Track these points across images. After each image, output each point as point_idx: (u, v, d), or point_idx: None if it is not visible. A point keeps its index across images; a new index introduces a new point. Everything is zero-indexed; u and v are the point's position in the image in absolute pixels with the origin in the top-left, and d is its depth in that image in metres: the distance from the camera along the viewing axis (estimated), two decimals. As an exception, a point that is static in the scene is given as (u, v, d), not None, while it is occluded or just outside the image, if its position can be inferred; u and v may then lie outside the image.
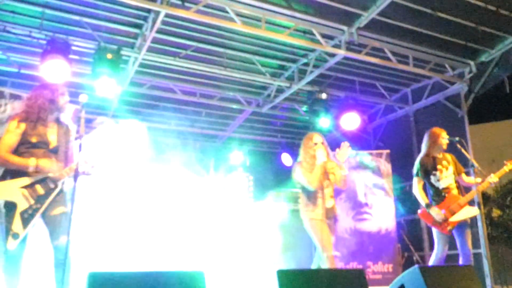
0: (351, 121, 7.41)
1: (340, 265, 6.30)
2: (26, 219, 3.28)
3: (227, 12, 5.42)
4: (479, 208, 5.03)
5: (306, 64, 6.98)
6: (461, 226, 4.85)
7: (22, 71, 6.42)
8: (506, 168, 4.95)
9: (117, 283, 2.39)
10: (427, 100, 7.75)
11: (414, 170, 5.14)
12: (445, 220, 4.79)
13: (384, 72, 7.44)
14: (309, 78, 6.99)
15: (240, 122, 9.04)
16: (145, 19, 5.78)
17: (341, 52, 6.10)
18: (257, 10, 5.52)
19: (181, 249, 6.32)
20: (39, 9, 5.45)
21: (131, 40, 6.22)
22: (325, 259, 4.21)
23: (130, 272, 2.48)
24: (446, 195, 4.92)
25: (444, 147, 5.09)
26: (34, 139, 3.47)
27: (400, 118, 8.41)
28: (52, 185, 3.41)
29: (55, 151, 3.54)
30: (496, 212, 12.20)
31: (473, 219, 5.22)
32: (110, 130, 3.82)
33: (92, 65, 5.76)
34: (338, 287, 2.92)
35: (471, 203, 4.93)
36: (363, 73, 7.48)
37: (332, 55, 6.46)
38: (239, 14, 5.47)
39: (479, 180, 4.95)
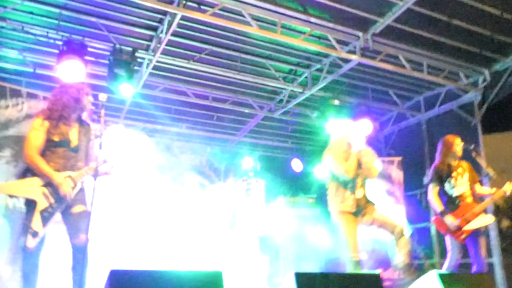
0: (363, 128, 7.38)
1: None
2: (45, 218, 3.29)
3: (243, 15, 5.43)
4: (494, 216, 4.99)
5: (320, 70, 6.98)
6: (475, 234, 4.81)
7: (38, 71, 6.47)
8: None
9: (138, 281, 2.39)
10: (440, 108, 7.72)
11: (429, 177, 5.10)
12: (460, 228, 4.75)
13: (397, 79, 7.43)
14: (322, 83, 7.00)
15: (251, 126, 9.05)
16: (160, 21, 5.82)
17: (356, 58, 6.10)
18: (273, 14, 5.54)
19: (196, 249, 6.32)
20: (57, 10, 5.50)
21: (146, 43, 6.25)
22: (349, 261, 4.05)
23: (150, 271, 2.48)
24: (461, 203, 4.89)
25: (459, 154, 5.06)
26: (56, 138, 3.48)
27: (412, 125, 8.38)
28: (72, 184, 3.42)
29: (75, 150, 3.56)
30: (505, 223, 12.10)
31: (485, 228, 5.17)
32: (121, 135, 3.85)
33: (108, 67, 5.78)
34: (355, 290, 2.91)
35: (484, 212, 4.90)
36: (376, 80, 7.47)
37: (346, 61, 6.46)
38: (255, 18, 5.49)
39: (493, 190, 4.91)
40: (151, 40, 6.19)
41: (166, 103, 8.04)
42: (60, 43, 5.58)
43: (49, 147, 3.48)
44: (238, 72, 6.91)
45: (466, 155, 5.16)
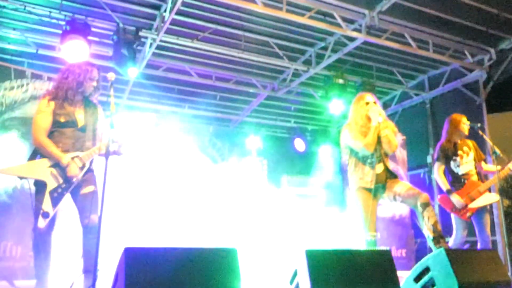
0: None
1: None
2: (55, 198, 3.31)
3: (248, -7, 5.37)
4: (500, 194, 5.02)
5: (324, 48, 6.93)
6: (480, 212, 4.84)
7: (40, 51, 6.42)
8: None
9: (153, 258, 2.41)
10: (445, 87, 7.70)
11: (435, 156, 5.11)
12: (465, 206, 4.78)
13: (401, 58, 7.39)
14: (327, 62, 6.95)
15: (254, 106, 9.02)
16: (164, 0, 5.75)
17: (361, 36, 6.05)
18: (279, -8, 5.48)
19: (209, 227, 6.38)
20: (59, -11, 5.44)
21: (150, 22, 6.19)
22: (364, 240, 3.88)
23: (165, 248, 2.49)
24: (466, 181, 4.91)
25: (466, 133, 5.06)
26: (62, 119, 3.48)
27: (416, 105, 8.37)
28: (80, 164, 3.43)
29: (83, 130, 3.55)
30: (505, 202, 12.20)
31: (489, 207, 5.21)
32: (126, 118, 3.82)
33: (113, 47, 5.74)
34: (366, 266, 2.93)
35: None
36: (381, 59, 7.43)
37: (352, 40, 6.41)
38: (260, -4, 5.43)
39: (499, 167, 4.93)
40: (154, 19, 6.12)
41: (169, 82, 8.01)
42: (63, 23, 5.53)
43: (57, 128, 3.47)
44: (242, 51, 6.86)
45: (471, 134, 5.17)
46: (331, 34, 6.58)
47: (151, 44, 6.35)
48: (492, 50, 6.83)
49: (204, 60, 7.37)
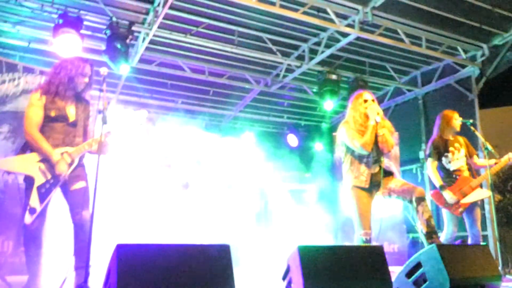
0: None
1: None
2: (43, 194, 3.28)
3: (241, -12, 5.35)
4: (490, 190, 5.06)
5: (318, 44, 6.92)
6: (471, 207, 4.89)
7: (32, 45, 6.36)
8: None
9: (145, 255, 2.40)
10: (437, 83, 7.73)
11: (427, 152, 5.14)
12: (457, 202, 4.82)
13: (394, 54, 7.40)
14: (320, 57, 6.95)
15: (247, 101, 9.01)
16: (157, -6, 5.71)
17: (355, 32, 6.05)
18: (272, -13, 5.46)
19: (196, 224, 6.37)
20: (51, -18, 5.38)
21: (143, 16, 6.14)
22: (358, 238, 3.86)
23: (157, 244, 2.49)
24: (458, 177, 4.95)
25: (458, 129, 5.10)
26: (53, 113, 3.46)
27: (408, 100, 8.40)
28: (69, 160, 3.40)
29: (73, 125, 3.54)
30: (496, 197, 12.31)
31: (481, 202, 5.24)
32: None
33: (107, 41, 5.69)
34: (358, 262, 2.95)
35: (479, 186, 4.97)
36: (374, 55, 7.44)
37: (345, 35, 6.41)
38: (253, -9, 5.41)
39: (492, 162, 4.97)
40: (147, 14, 6.08)
41: (162, 77, 7.98)
42: (55, 16, 5.47)
43: (47, 122, 3.46)
44: (235, 46, 6.83)
45: (463, 130, 5.20)
46: (324, 29, 6.58)
47: (144, 38, 6.31)
48: (485, 46, 6.85)
49: (197, 55, 7.34)
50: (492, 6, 5.86)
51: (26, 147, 3.44)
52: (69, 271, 3.26)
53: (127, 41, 5.74)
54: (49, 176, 3.35)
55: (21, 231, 3.38)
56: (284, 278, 3.03)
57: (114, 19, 5.68)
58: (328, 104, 7.38)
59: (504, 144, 6.99)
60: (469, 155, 5.10)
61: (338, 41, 6.62)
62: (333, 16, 5.89)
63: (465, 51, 7.01)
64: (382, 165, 4.08)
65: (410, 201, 3.88)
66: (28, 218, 3.23)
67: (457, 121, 5.12)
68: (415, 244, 7.65)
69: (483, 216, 6.35)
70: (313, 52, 7.09)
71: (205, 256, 2.52)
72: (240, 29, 6.58)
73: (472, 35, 6.66)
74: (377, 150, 4.06)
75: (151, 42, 6.50)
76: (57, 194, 3.42)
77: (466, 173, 5.00)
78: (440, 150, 5.05)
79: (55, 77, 3.56)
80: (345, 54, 7.36)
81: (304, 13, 5.80)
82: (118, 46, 5.61)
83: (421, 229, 3.83)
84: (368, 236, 3.88)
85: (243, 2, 5.44)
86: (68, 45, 5.36)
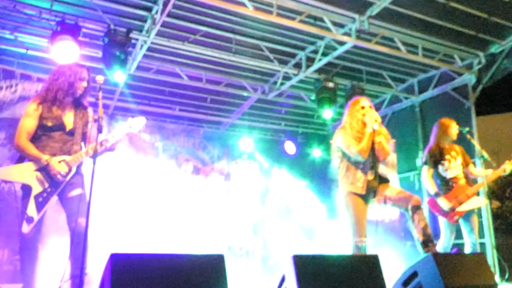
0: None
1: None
2: (40, 203, 3.27)
3: (239, -4, 5.37)
4: (487, 198, 5.08)
5: (315, 52, 6.95)
6: (467, 215, 4.90)
7: (30, 52, 6.36)
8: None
9: (139, 264, 2.39)
10: (434, 91, 7.75)
11: (423, 159, 5.16)
12: (453, 209, 4.82)
13: (391, 61, 7.42)
14: (317, 65, 6.96)
15: (244, 109, 9.02)
16: (155, 1, 5.72)
17: (351, 41, 6.07)
18: (269, -4, 5.49)
19: (192, 233, 6.35)
20: (49, -11, 5.39)
21: (140, 23, 6.16)
22: (353, 245, 3.84)
23: (151, 254, 2.48)
24: (454, 185, 4.96)
25: (454, 137, 5.12)
26: (49, 123, 3.45)
27: (406, 108, 8.41)
28: (66, 168, 3.40)
29: (71, 134, 3.53)
30: (495, 204, 12.33)
31: (478, 209, 5.24)
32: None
33: (103, 49, 5.71)
34: (354, 271, 2.94)
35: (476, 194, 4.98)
36: (371, 63, 7.47)
37: (342, 43, 6.43)
38: (251, -1, 5.44)
39: (489, 171, 4.99)
40: (145, 21, 6.10)
41: (159, 85, 7.99)
42: (53, 23, 5.48)
43: (44, 132, 3.45)
44: (233, 53, 6.85)
45: (459, 138, 5.22)
46: (321, 38, 6.60)
47: (142, 46, 6.32)
48: (481, 54, 6.89)
49: (195, 63, 7.36)
50: (488, 15, 5.90)
51: (24, 157, 3.43)
52: (64, 279, 3.25)
53: (125, 48, 5.74)
54: (46, 185, 3.34)
55: (16, 239, 3.36)
56: (279, 287, 3.02)
57: (112, 26, 5.69)
58: (327, 112, 7.40)
59: (501, 151, 7.02)
60: (465, 164, 5.12)
61: (335, 49, 6.64)
62: (329, 25, 5.92)
63: (462, 59, 7.04)
64: (378, 172, 4.06)
65: (406, 210, 3.86)
66: (25, 227, 3.21)
67: (453, 129, 5.14)
68: (412, 252, 7.62)
69: (481, 224, 6.35)
70: (310, 60, 7.12)
71: (199, 266, 2.51)
72: (238, 37, 6.60)
73: (469, 43, 6.70)
74: (373, 157, 4.04)
75: (149, 49, 6.52)
76: (50, 202, 3.40)
77: (462, 181, 5.02)
78: (437, 158, 5.07)
79: (54, 83, 3.56)
80: (342, 62, 7.39)
81: (301, 21, 5.83)
82: (117, 53, 5.62)
83: (417, 237, 3.81)
84: (364, 243, 3.85)
85: (241, 11, 5.46)
86: (66, 52, 5.36)
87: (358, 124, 4.07)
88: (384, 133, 4.11)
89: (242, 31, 6.52)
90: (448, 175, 5.02)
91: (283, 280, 2.93)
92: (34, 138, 3.44)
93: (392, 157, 7.75)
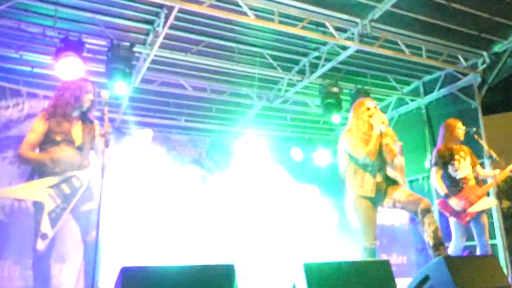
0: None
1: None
2: (54, 219, 3.28)
3: (239, 5, 5.39)
4: (497, 199, 5.04)
5: (318, 58, 6.96)
6: (478, 216, 4.85)
7: (35, 70, 6.42)
8: None
9: (150, 277, 2.40)
10: (440, 92, 7.72)
11: (432, 160, 5.13)
12: (464, 211, 4.78)
13: (395, 64, 7.42)
14: (320, 71, 6.97)
15: (250, 117, 9.03)
16: (157, 14, 5.77)
17: (354, 45, 6.07)
18: (270, 4, 5.50)
19: (202, 242, 6.35)
20: (52, 7, 5.44)
21: (143, 37, 6.21)
22: (363, 249, 3.81)
23: (161, 267, 2.49)
24: (464, 185, 4.92)
25: (461, 138, 5.09)
26: (58, 137, 3.46)
27: (411, 110, 8.38)
28: (77, 184, 3.41)
29: (80, 149, 3.54)
30: (505, 204, 12.20)
31: (488, 210, 5.20)
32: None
33: (105, 63, 5.76)
34: (365, 278, 2.92)
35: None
36: (375, 66, 7.46)
37: (345, 48, 6.44)
38: (252, 8, 5.45)
39: (497, 172, 4.95)
40: (147, 34, 6.15)
41: (164, 96, 8.03)
42: (57, 40, 5.54)
43: (53, 147, 3.46)
44: (236, 63, 6.88)
45: (466, 139, 5.19)
46: (324, 43, 6.61)
47: (145, 59, 6.37)
48: (485, 54, 6.86)
49: (199, 73, 7.39)
50: (491, 15, 5.88)
51: (34, 173, 3.45)
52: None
53: (129, 62, 5.79)
54: (59, 201, 3.34)
55: (29, 255, 3.38)
56: (290, 296, 3.00)
57: (115, 41, 5.74)
58: (335, 117, 7.38)
59: (510, 150, 6.96)
60: (473, 165, 5.08)
61: (338, 54, 6.65)
62: (332, 30, 5.93)
63: (466, 60, 7.02)
64: (387, 174, 4.02)
65: (416, 213, 3.81)
66: (40, 244, 3.22)
67: (460, 130, 5.11)
68: (424, 255, 7.57)
69: (491, 225, 6.29)
70: (314, 66, 7.12)
71: (209, 276, 2.51)
72: (240, 46, 6.63)
73: (472, 44, 6.68)
74: (381, 159, 4.00)
75: (153, 62, 6.55)
76: (63, 218, 3.41)
77: (472, 182, 4.98)
78: (446, 159, 5.03)
79: (60, 98, 3.58)
80: (346, 67, 7.39)
81: (303, 28, 5.84)
82: (121, 67, 5.66)
83: (427, 241, 3.75)
84: (374, 246, 3.81)
85: (242, 20, 5.49)
86: (71, 69, 5.40)
87: (365, 126, 4.02)
88: (390, 135, 4.07)
89: (244, 40, 6.54)
90: (458, 175, 4.98)
91: (294, 287, 2.91)
92: (44, 153, 3.44)
93: (400, 160, 7.69)
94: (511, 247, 6.47)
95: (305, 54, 7.05)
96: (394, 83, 8.04)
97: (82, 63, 5.47)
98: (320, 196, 8.74)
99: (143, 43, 6.25)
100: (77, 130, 3.58)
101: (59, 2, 5.39)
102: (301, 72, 7.34)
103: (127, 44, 5.81)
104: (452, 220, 4.96)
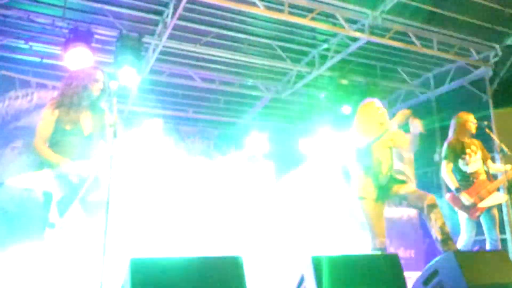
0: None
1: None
2: (62, 209, 3.29)
3: (249, -4, 5.36)
4: (507, 194, 4.98)
5: (327, 50, 6.90)
6: (488, 211, 4.80)
7: (45, 60, 6.44)
8: None
9: (158, 268, 2.40)
10: (450, 85, 7.64)
11: (443, 154, 5.06)
12: (474, 205, 4.74)
13: (405, 56, 7.35)
14: (330, 63, 6.92)
15: (258, 108, 9.01)
16: (166, 5, 5.74)
17: (364, 37, 6.02)
18: (280, -5, 5.47)
19: (210, 234, 6.36)
20: (62, -3, 5.45)
21: (152, 27, 6.19)
22: (373, 247, 3.80)
23: (170, 258, 2.49)
24: (475, 180, 4.86)
25: (473, 131, 5.03)
26: (68, 127, 3.43)
27: (421, 103, 8.30)
28: (85, 174, 3.41)
29: (89, 138, 3.51)
30: (515, 198, 12.12)
31: (498, 205, 5.15)
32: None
33: (114, 54, 5.75)
34: (373, 271, 2.91)
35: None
36: (384, 58, 7.39)
37: (354, 40, 6.38)
38: (261, -1, 5.42)
39: (508, 167, 4.88)
40: (156, 25, 6.13)
41: (173, 88, 8.02)
42: (66, 31, 5.54)
43: (62, 137, 3.44)
44: (245, 54, 6.86)
45: (477, 132, 5.12)
46: (334, 35, 6.55)
47: (154, 49, 6.36)
48: (498, 47, 6.77)
49: (208, 64, 7.37)
50: (503, 7, 5.79)
51: (44, 163, 3.45)
52: (85, 282, 3.28)
53: (137, 53, 5.77)
54: (67, 191, 3.35)
55: (36, 244, 3.39)
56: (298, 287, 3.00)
57: (124, 31, 5.73)
58: (346, 108, 7.34)
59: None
60: (484, 159, 5.02)
61: (348, 46, 6.59)
62: (342, 21, 5.87)
63: (478, 52, 6.93)
64: (392, 174, 4.02)
65: (422, 208, 3.81)
66: (48, 234, 3.24)
67: (472, 123, 5.05)
68: (432, 249, 7.53)
69: (501, 219, 6.23)
70: (323, 57, 7.07)
71: (218, 268, 2.51)
72: (249, 37, 6.59)
73: (484, 36, 6.59)
74: (386, 158, 4.01)
75: (161, 53, 6.55)
76: (72, 208, 3.43)
77: (483, 176, 4.92)
78: (457, 153, 4.97)
79: (68, 88, 3.53)
80: (355, 59, 7.32)
81: (313, 19, 5.79)
82: (129, 58, 5.65)
83: (435, 236, 3.74)
84: (383, 245, 3.81)
85: (252, 10, 5.45)
86: (80, 59, 5.40)
87: (376, 125, 4.03)
88: (398, 133, 4.09)
89: (253, 31, 6.50)
90: (469, 169, 4.92)
91: (301, 281, 2.91)
92: (53, 143, 3.44)
93: (410, 154, 7.66)
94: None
95: (314, 46, 7.00)
96: (404, 75, 7.96)
97: (91, 53, 5.46)
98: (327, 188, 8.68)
99: (152, 33, 6.23)
100: (86, 119, 3.53)
101: (69, -8, 5.39)
102: (311, 63, 7.28)
103: (136, 34, 5.79)
104: (461, 215, 4.91)
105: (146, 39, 6.01)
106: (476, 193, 4.75)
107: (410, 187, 4.06)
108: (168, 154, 6.98)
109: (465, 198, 4.72)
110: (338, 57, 6.81)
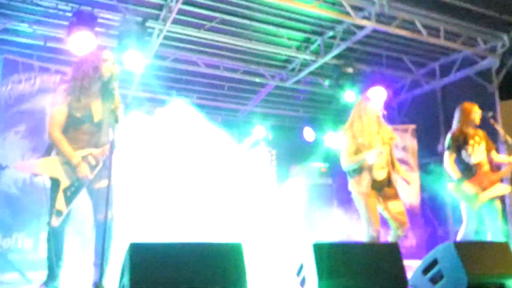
0: (377, 96, 7.26)
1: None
2: (69, 197, 3.27)
3: (255, -18, 5.31)
4: (510, 185, 4.96)
5: (333, 37, 6.84)
6: (490, 202, 4.78)
7: (48, 44, 6.42)
8: None
9: (158, 253, 2.41)
10: (456, 75, 7.57)
11: (446, 144, 5.03)
12: (476, 195, 4.72)
13: (411, 45, 7.27)
14: (335, 51, 6.87)
15: (262, 96, 8.97)
16: (170, -11, 5.70)
17: (371, 25, 5.95)
18: (286, -20, 5.41)
19: (211, 221, 6.39)
20: (65, -20, 5.41)
21: (156, 12, 6.14)
22: (368, 234, 3.96)
23: (169, 243, 2.50)
24: (478, 170, 4.84)
25: (477, 122, 4.98)
26: (78, 114, 3.38)
27: (426, 93, 8.24)
28: (93, 162, 3.39)
29: (99, 125, 3.45)
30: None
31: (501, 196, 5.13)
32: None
33: (118, 38, 5.72)
34: (373, 259, 2.92)
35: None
36: (390, 47, 7.32)
37: (360, 28, 6.31)
38: (267, -16, 5.36)
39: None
40: (161, 9, 6.08)
41: (176, 73, 7.99)
42: (69, 14, 5.51)
43: (72, 124, 3.39)
44: (250, 40, 6.81)
45: (482, 123, 5.08)
46: (339, 22, 6.49)
47: (158, 34, 6.32)
48: (505, 37, 6.68)
49: (212, 50, 7.32)
50: (512, -4, 5.72)
51: (51, 149, 3.41)
52: (88, 266, 3.30)
53: (141, 37, 5.74)
54: (74, 179, 3.32)
55: (41, 228, 3.40)
56: (298, 274, 3.02)
57: (127, 16, 5.69)
58: (349, 94, 7.29)
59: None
60: (488, 150, 4.99)
61: (353, 34, 6.53)
62: (348, 9, 5.80)
63: (485, 42, 6.84)
64: (389, 174, 4.20)
65: (393, 229, 4.07)
66: (54, 221, 3.22)
67: (476, 113, 5.00)
68: (433, 238, 7.55)
69: (504, 211, 6.21)
70: (329, 45, 7.01)
71: (217, 254, 2.52)
72: (254, 23, 6.53)
73: (492, 26, 6.49)
74: (386, 157, 4.19)
75: (165, 37, 6.51)
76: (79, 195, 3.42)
77: (486, 167, 4.89)
78: (460, 143, 4.93)
79: (78, 71, 3.46)
80: (361, 47, 7.25)
81: (319, 6, 5.73)
82: (133, 42, 5.62)
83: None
84: (377, 232, 3.97)
85: (257, -4, 5.40)
86: (83, 43, 5.38)
87: (369, 121, 4.23)
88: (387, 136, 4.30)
89: (259, 17, 6.44)
90: (472, 160, 4.89)
91: (301, 267, 2.92)
92: (63, 130, 3.39)
93: (412, 144, 7.64)
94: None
95: (319, 33, 6.93)
96: (409, 65, 7.89)
97: (94, 37, 5.44)
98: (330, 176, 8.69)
99: (156, 18, 6.18)
100: (97, 105, 3.47)
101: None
102: (316, 51, 7.23)
103: (140, 19, 5.75)
104: (463, 205, 4.90)
105: (150, 23, 5.96)
106: (478, 184, 4.73)
107: (399, 206, 4.18)
108: (168, 141, 6.98)
109: (468, 188, 4.71)
110: (343, 45, 6.75)
